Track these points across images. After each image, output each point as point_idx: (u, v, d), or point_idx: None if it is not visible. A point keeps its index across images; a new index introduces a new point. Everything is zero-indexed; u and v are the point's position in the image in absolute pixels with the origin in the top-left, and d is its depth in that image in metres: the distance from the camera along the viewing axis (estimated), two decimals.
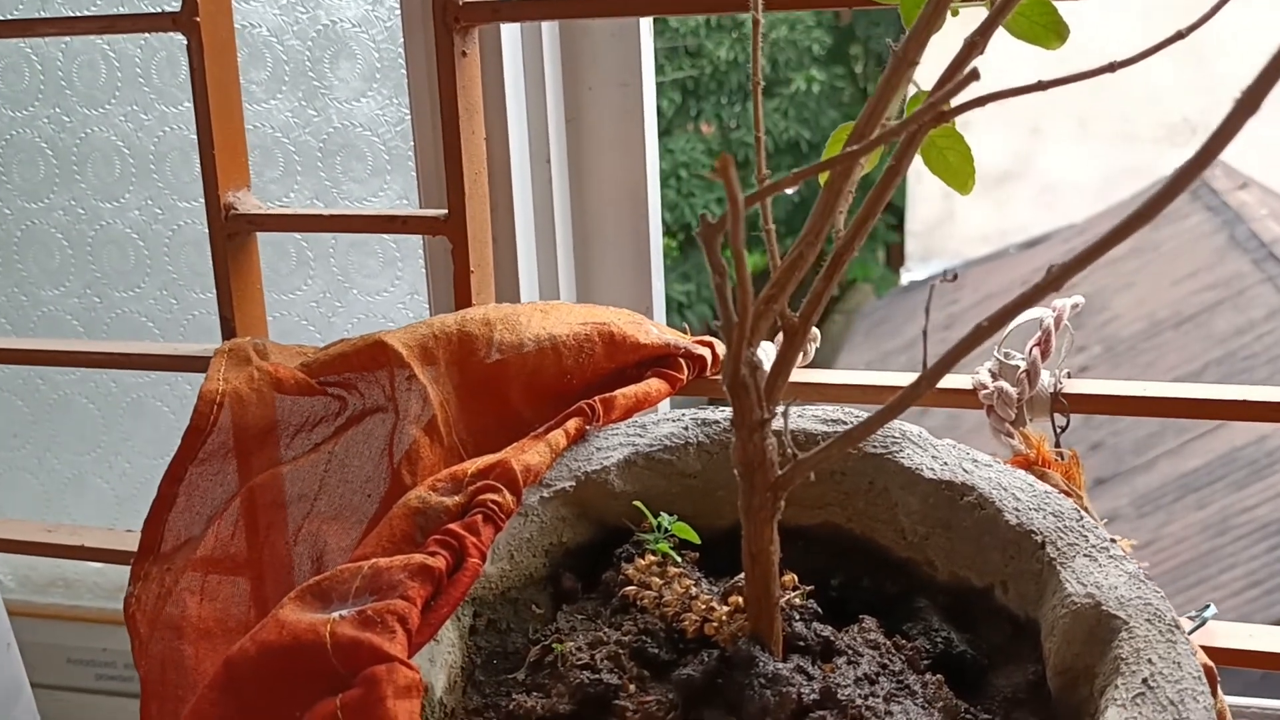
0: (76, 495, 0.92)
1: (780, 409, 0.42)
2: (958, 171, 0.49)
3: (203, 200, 0.86)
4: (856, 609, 0.51)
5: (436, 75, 0.74)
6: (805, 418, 0.57)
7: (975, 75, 0.37)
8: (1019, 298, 0.38)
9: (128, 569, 0.94)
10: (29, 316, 0.90)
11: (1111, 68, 0.41)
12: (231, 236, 0.65)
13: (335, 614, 0.44)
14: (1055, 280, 0.37)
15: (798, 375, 0.65)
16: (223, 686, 0.45)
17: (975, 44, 0.42)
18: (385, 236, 0.81)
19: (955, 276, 0.39)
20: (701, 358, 0.61)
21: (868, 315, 5.40)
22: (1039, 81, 0.40)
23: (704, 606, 0.47)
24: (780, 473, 0.43)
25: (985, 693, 0.48)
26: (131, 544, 0.76)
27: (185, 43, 0.63)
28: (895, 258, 5.97)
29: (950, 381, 0.61)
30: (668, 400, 0.64)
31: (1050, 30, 0.51)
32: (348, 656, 0.43)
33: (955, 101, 0.40)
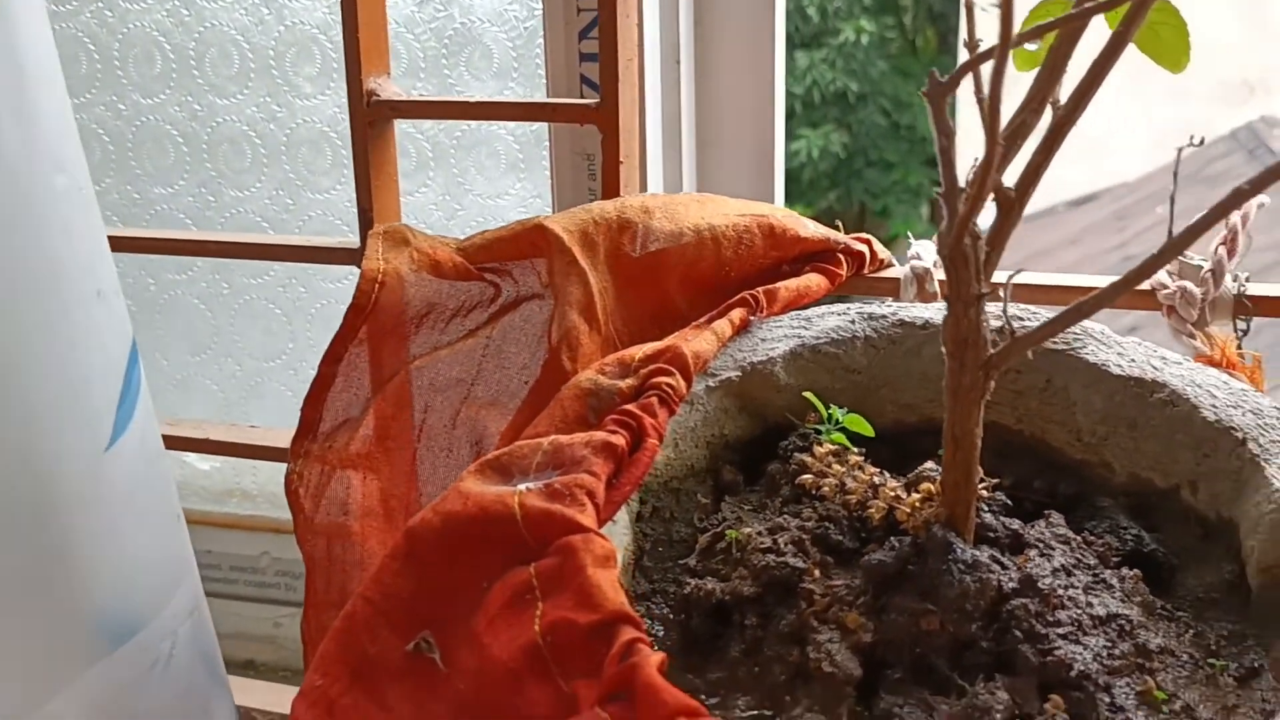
0: (184, 396, 0.92)
1: (999, 284, 0.41)
2: (1171, 48, 0.47)
3: (321, 98, 0.86)
4: (1030, 510, 0.50)
5: None
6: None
7: None
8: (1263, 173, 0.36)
9: (235, 469, 0.95)
10: (141, 214, 0.89)
11: None
12: (372, 124, 0.64)
13: (520, 486, 0.44)
14: None
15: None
16: (405, 555, 0.44)
17: None
18: (509, 138, 0.80)
19: (1203, 140, 0.37)
20: (860, 254, 0.60)
21: None
22: None
23: (891, 494, 0.46)
24: (993, 351, 0.41)
25: (1174, 592, 0.47)
26: (251, 438, 0.76)
27: None
28: (939, 214, 5.88)
29: None
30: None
31: None
32: (538, 527, 0.42)
33: None
